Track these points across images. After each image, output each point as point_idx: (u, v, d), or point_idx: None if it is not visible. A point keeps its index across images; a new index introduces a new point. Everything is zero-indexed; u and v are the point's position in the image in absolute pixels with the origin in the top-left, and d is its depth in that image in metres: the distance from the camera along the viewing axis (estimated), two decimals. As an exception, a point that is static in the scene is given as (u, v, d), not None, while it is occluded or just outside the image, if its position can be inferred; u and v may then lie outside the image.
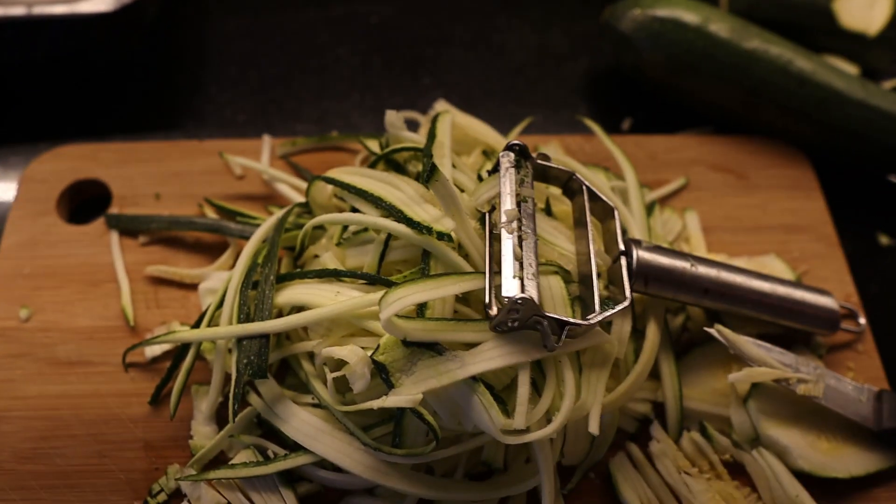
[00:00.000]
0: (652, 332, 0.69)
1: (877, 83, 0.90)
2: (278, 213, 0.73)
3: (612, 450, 0.69)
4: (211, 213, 0.79)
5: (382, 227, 0.65)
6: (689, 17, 0.86)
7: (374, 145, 0.78)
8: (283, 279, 0.69)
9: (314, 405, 0.67)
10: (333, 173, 0.71)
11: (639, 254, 0.68)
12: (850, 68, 0.93)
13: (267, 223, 0.72)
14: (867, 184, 0.91)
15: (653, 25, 0.87)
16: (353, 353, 0.62)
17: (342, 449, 0.63)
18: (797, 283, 0.74)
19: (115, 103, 0.93)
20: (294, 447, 0.65)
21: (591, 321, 0.61)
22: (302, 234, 0.71)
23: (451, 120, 0.77)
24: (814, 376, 0.68)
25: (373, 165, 0.73)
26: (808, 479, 0.67)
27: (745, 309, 0.71)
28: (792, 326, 0.73)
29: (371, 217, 0.66)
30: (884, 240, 0.88)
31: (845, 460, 0.68)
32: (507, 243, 0.62)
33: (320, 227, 0.73)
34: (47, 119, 0.91)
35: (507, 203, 0.64)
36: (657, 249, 0.69)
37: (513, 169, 0.67)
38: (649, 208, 0.79)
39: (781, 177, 0.86)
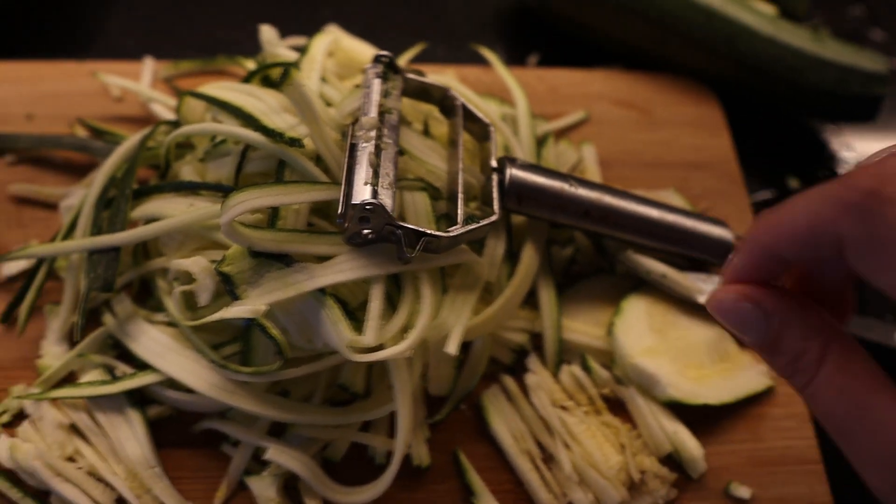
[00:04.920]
0: (528, 256, 0.66)
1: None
2: (143, 130, 0.69)
3: (487, 382, 0.66)
4: (83, 134, 0.76)
5: (237, 135, 0.62)
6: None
7: (253, 66, 0.75)
8: (140, 194, 0.66)
9: (169, 324, 0.64)
10: (202, 88, 0.68)
11: (512, 171, 0.64)
12: (768, 9, 0.90)
13: (131, 140, 0.69)
14: (779, 125, 0.87)
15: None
16: (196, 263, 0.59)
17: (188, 367, 0.60)
18: (689, 212, 0.70)
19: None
20: (144, 368, 0.62)
21: (451, 233, 0.58)
22: (165, 148, 0.67)
23: (333, 41, 0.74)
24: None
25: (246, 81, 0.70)
26: (683, 415, 0.65)
27: (629, 234, 0.68)
28: (682, 254, 0.69)
29: (226, 126, 0.63)
30: (794, 183, 0.84)
31: (715, 386, 0.65)
32: (365, 152, 0.59)
33: (188, 146, 0.69)
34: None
35: (369, 112, 0.61)
36: (534, 168, 0.66)
37: (378, 79, 0.64)
38: (543, 140, 0.76)
39: (687, 114, 0.83)
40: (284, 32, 0.84)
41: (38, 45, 0.88)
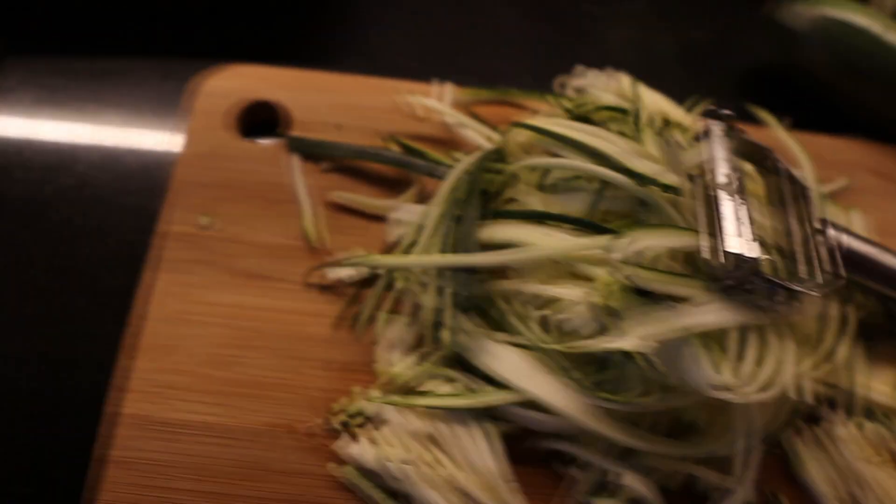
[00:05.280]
0: (835, 312, 0.71)
1: None
2: (476, 154, 0.73)
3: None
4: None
5: (604, 176, 0.66)
6: (862, 19, 0.89)
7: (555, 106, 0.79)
8: (481, 217, 0.69)
9: (516, 345, 0.66)
10: (538, 123, 0.72)
11: (837, 235, 0.69)
12: None
13: (465, 162, 0.72)
14: None
15: (825, 25, 0.89)
16: (576, 293, 0.63)
17: (557, 390, 0.63)
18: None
19: (275, 33, 0.93)
20: (490, 383, 0.65)
21: (814, 291, 0.62)
22: (507, 175, 0.71)
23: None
24: None
25: (576, 119, 0.73)
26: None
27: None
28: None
29: (594, 166, 0.66)
30: None
31: None
32: (728, 204, 0.63)
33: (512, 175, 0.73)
34: (201, 37, 0.92)
35: (725, 167, 0.65)
36: (848, 232, 0.70)
37: (726, 137, 0.68)
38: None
39: (940, 193, 0.88)
40: (554, 72, 0.89)
41: (320, 58, 0.92)
